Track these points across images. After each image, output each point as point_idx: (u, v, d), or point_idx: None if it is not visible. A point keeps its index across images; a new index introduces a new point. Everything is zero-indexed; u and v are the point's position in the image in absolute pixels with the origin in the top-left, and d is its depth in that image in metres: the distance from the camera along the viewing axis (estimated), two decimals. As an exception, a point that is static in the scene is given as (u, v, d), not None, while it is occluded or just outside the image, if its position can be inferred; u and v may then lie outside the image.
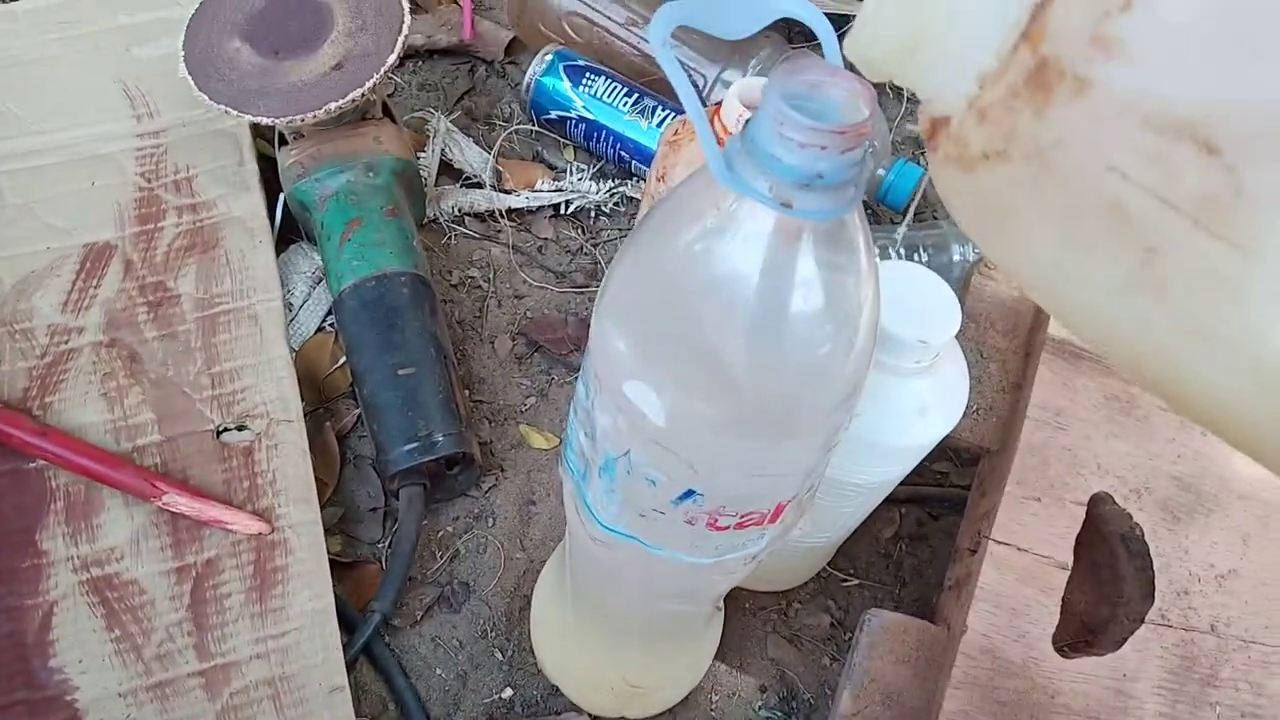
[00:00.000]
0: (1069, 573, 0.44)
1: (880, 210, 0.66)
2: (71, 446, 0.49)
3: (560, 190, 0.65)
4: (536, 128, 0.68)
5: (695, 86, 0.64)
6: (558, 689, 0.49)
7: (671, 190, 0.28)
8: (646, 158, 0.65)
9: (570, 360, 0.60)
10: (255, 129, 0.62)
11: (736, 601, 0.52)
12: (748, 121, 0.24)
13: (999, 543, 0.44)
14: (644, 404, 0.28)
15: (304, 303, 0.59)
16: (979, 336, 0.50)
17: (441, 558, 0.53)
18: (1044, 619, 0.43)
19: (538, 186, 0.66)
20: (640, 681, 0.46)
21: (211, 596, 0.47)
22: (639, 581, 0.37)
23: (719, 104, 0.45)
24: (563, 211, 0.66)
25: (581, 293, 0.63)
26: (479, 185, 0.66)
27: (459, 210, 0.64)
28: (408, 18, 0.55)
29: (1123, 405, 0.48)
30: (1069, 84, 0.19)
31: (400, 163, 0.58)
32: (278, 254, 0.58)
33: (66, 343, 0.53)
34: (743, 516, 0.31)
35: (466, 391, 0.57)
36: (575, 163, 0.68)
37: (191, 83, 0.54)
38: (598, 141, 0.66)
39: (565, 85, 0.65)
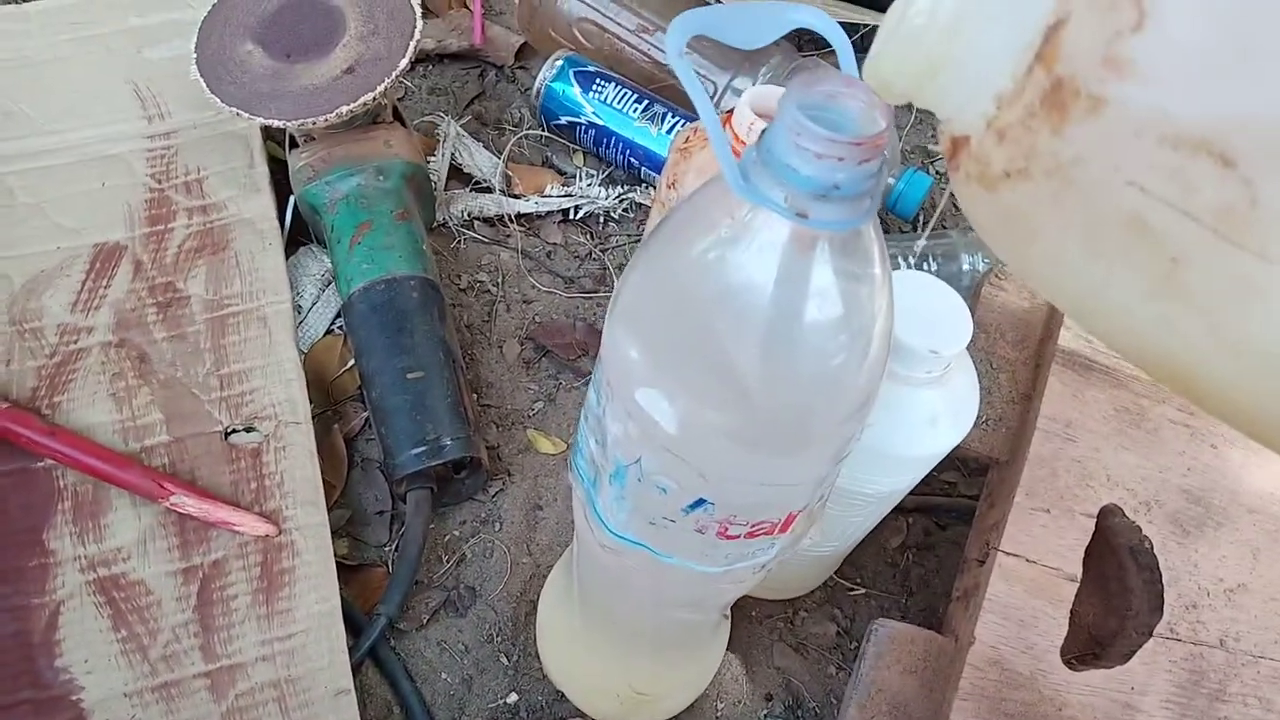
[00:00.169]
0: (1078, 585, 0.44)
1: (890, 219, 0.66)
2: (80, 446, 0.49)
3: (569, 196, 0.66)
4: (546, 133, 0.68)
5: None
6: (563, 695, 0.49)
7: (685, 199, 0.28)
8: (656, 164, 0.65)
9: (578, 365, 0.60)
10: (266, 131, 0.62)
11: (743, 609, 0.52)
12: (764, 132, 0.24)
13: (1008, 554, 0.44)
14: (656, 412, 0.28)
15: (313, 305, 0.59)
16: (989, 347, 0.50)
17: (448, 562, 0.53)
18: (1052, 631, 0.43)
19: (547, 192, 0.66)
20: (646, 689, 0.46)
21: (218, 598, 0.47)
22: (647, 589, 0.37)
23: (730, 112, 0.45)
24: (572, 217, 0.66)
25: (590, 298, 0.63)
26: (488, 190, 0.66)
27: (468, 215, 0.65)
28: (420, 22, 0.55)
29: (1133, 418, 0.48)
30: (1084, 103, 0.19)
31: (410, 167, 0.58)
32: (287, 256, 0.58)
33: (76, 342, 0.53)
34: (753, 526, 0.31)
35: (474, 396, 0.57)
36: (585, 168, 0.68)
37: (203, 85, 0.54)
38: (607, 147, 0.66)
39: (575, 91, 0.65)
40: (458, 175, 0.67)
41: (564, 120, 0.66)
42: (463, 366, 0.55)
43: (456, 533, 0.54)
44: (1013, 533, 0.45)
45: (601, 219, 0.66)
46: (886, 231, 0.66)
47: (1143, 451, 0.47)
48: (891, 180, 0.63)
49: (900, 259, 0.59)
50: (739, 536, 0.31)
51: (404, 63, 0.54)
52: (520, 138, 0.69)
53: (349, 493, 0.54)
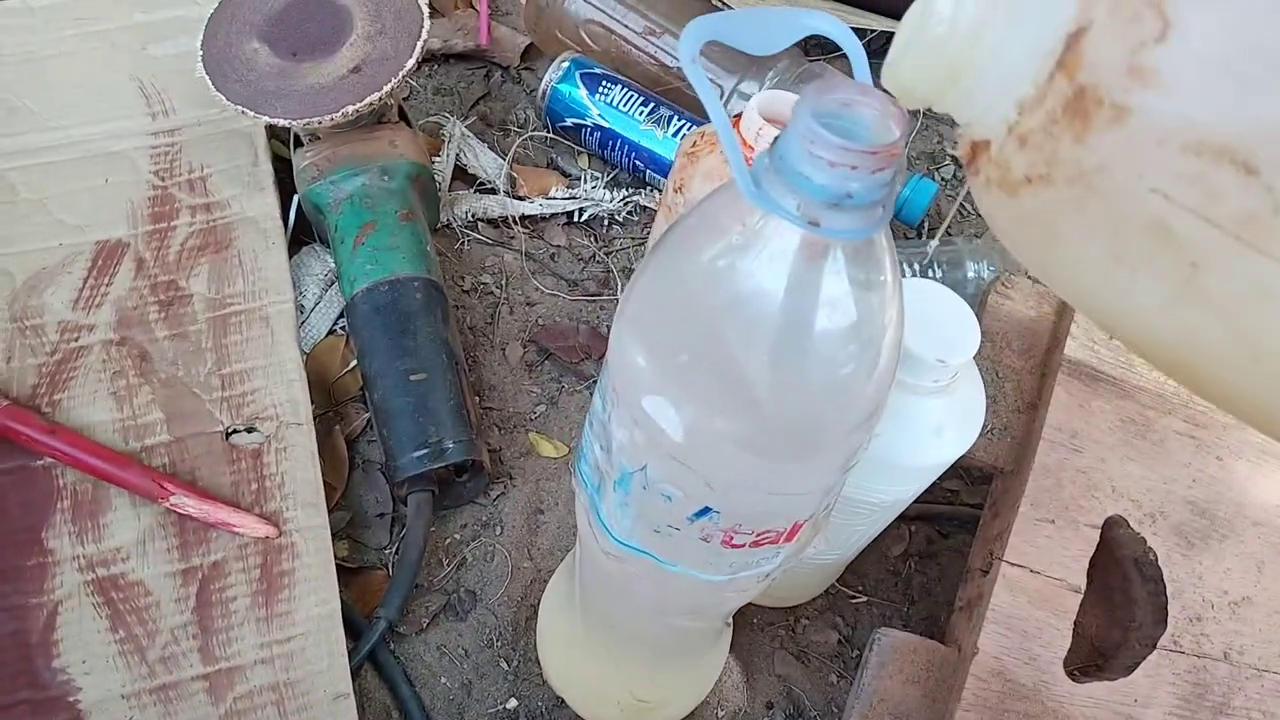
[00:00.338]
0: (1082, 596, 0.44)
1: (894, 225, 0.66)
2: (79, 445, 0.49)
3: (574, 198, 0.65)
4: (551, 135, 0.68)
5: (712, 97, 0.64)
6: (563, 701, 0.49)
7: (696, 205, 0.27)
8: (661, 167, 0.64)
9: (581, 369, 0.60)
10: (270, 130, 0.61)
11: (744, 617, 0.52)
12: (777, 138, 0.24)
13: (1012, 564, 0.44)
14: (662, 419, 0.28)
15: (316, 305, 0.58)
16: (995, 356, 0.50)
17: (448, 565, 0.52)
18: (1056, 642, 0.43)
19: (552, 194, 0.65)
20: (647, 696, 0.46)
21: (217, 599, 0.47)
22: (650, 596, 0.37)
23: (738, 116, 0.45)
24: (576, 219, 0.66)
25: (593, 301, 0.63)
26: (493, 191, 0.66)
27: (472, 216, 0.64)
28: (427, 22, 0.55)
29: (1138, 429, 0.47)
30: (1107, 111, 0.19)
31: (415, 167, 0.58)
32: (290, 256, 0.58)
33: (77, 340, 0.53)
34: (758, 535, 0.31)
35: (477, 398, 0.57)
36: (590, 170, 0.68)
37: (209, 82, 0.54)
38: (613, 150, 0.66)
39: (581, 93, 0.65)
40: (462, 176, 0.67)
41: (569, 122, 0.66)
42: (465, 369, 0.55)
43: (457, 536, 0.54)
44: (1017, 543, 0.45)
45: (606, 222, 0.66)
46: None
47: (1148, 463, 0.47)
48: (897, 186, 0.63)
49: (905, 265, 0.59)
50: (744, 545, 0.31)
51: (410, 63, 0.54)
52: (525, 139, 0.69)
53: (350, 495, 0.54)
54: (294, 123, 0.53)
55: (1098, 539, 0.45)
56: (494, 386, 0.59)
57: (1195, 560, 0.45)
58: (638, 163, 0.65)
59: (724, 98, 0.64)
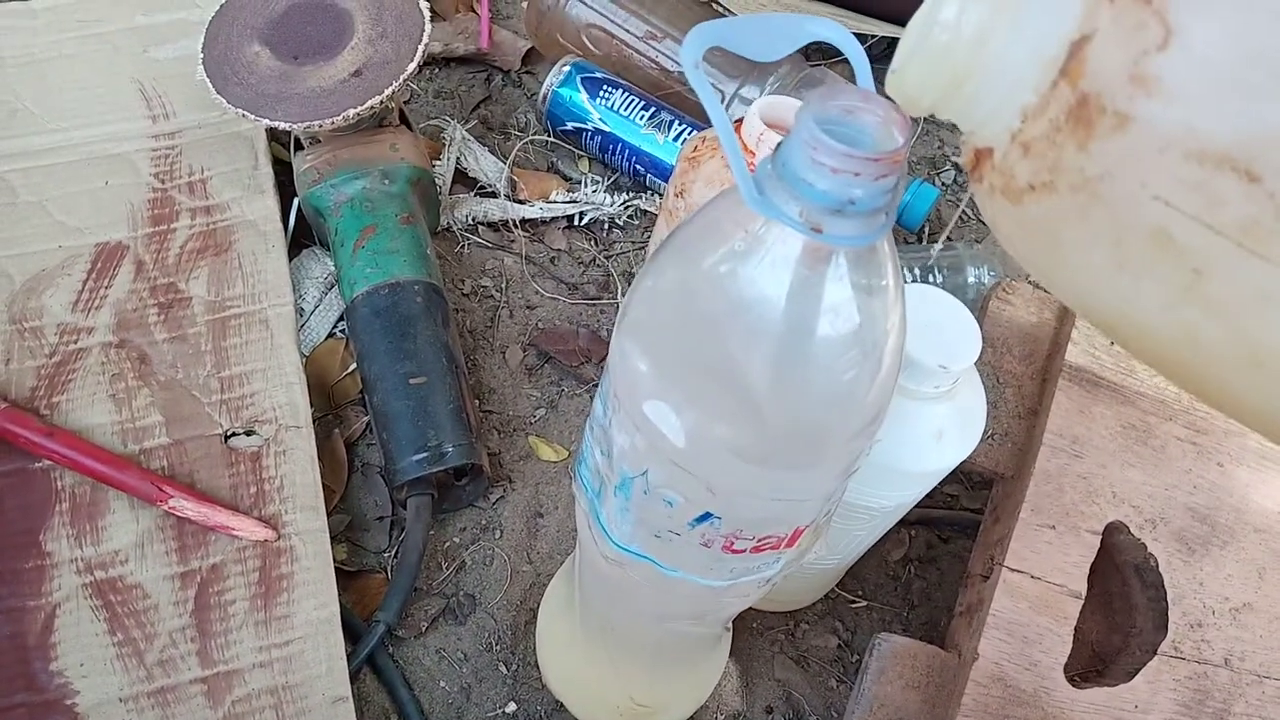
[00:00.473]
0: (1082, 602, 0.44)
1: (895, 230, 0.66)
2: (78, 447, 0.49)
3: (574, 202, 0.65)
4: (552, 138, 0.68)
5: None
6: (562, 705, 0.49)
7: (697, 211, 0.27)
8: (662, 171, 0.64)
9: (581, 372, 0.60)
10: (271, 133, 0.61)
11: (744, 621, 0.52)
12: (779, 145, 0.24)
13: (1012, 570, 0.44)
14: (664, 425, 0.28)
15: (315, 308, 0.58)
16: (996, 361, 0.50)
17: (448, 569, 0.52)
18: (1056, 648, 0.43)
19: (552, 197, 0.65)
20: (646, 700, 0.46)
21: (216, 603, 0.47)
22: (650, 601, 0.37)
23: (739, 121, 0.45)
24: (576, 223, 0.66)
25: (593, 305, 0.63)
26: (493, 195, 0.66)
27: (473, 219, 0.64)
28: (428, 26, 0.55)
29: (1139, 434, 0.47)
30: (1110, 120, 0.19)
31: (416, 171, 0.58)
32: (290, 259, 0.58)
33: (76, 342, 0.53)
34: (759, 540, 0.31)
35: (476, 402, 0.57)
36: (590, 174, 0.68)
37: (209, 85, 0.54)
38: (613, 154, 0.66)
39: (582, 97, 0.65)
40: (463, 180, 0.67)
41: (570, 126, 0.66)
42: (465, 372, 0.55)
43: (456, 540, 0.53)
44: (1017, 548, 0.44)
45: (606, 226, 0.66)
46: (892, 242, 0.66)
47: (1149, 469, 0.47)
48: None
49: (906, 270, 0.59)
50: (745, 551, 0.31)
51: (412, 67, 0.54)
52: (526, 143, 0.69)
53: (349, 498, 0.54)
54: (295, 126, 0.53)
55: (1098, 545, 0.45)
56: (494, 390, 0.59)
57: (1196, 566, 0.45)
58: (638, 167, 0.65)
59: (725, 103, 0.64)
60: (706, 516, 0.29)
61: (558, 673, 0.48)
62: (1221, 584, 0.45)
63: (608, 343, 0.60)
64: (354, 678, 0.47)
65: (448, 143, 0.66)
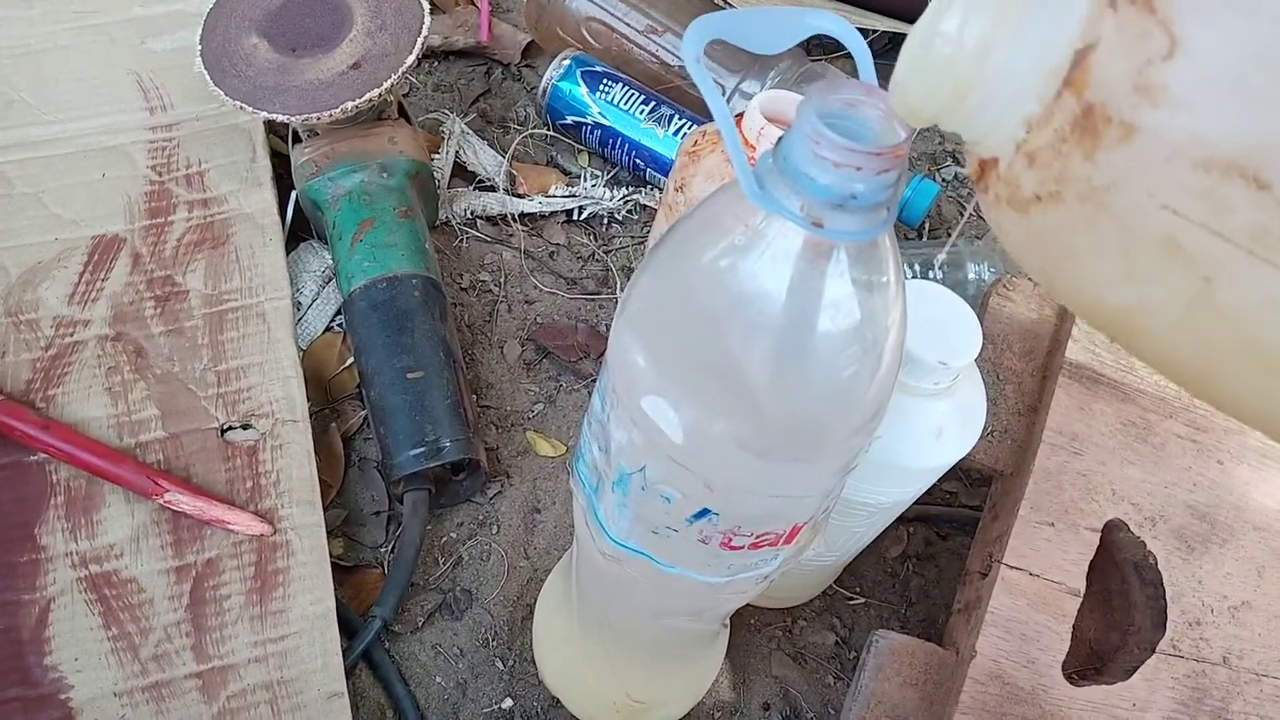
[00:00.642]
0: (1081, 600, 0.44)
1: (895, 226, 0.66)
2: (74, 441, 0.48)
3: (574, 196, 0.65)
4: (551, 132, 0.68)
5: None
6: (558, 701, 0.49)
7: (698, 205, 0.27)
8: (661, 165, 0.64)
9: (579, 368, 0.59)
10: (269, 125, 0.61)
11: (741, 618, 0.52)
12: (780, 139, 0.24)
13: (1011, 567, 0.44)
14: (662, 420, 0.28)
15: (313, 302, 0.58)
16: (996, 358, 0.49)
17: (444, 564, 0.52)
18: (1054, 646, 0.43)
19: (551, 191, 0.65)
20: (643, 697, 0.45)
21: (211, 597, 0.46)
22: (647, 598, 0.37)
23: (740, 115, 0.45)
24: (575, 217, 0.65)
25: (592, 300, 0.62)
26: (492, 189, 0.65)
27: (471, 213, 0.64)
28: (427, 18, 0.55)
29: (1139, 432, 0.47)
30: (1116, 129, 0.19)
31: (415, 164, 0.58)
32: (288, 252, 0.57)
33: (72, 335, 0.53)
34: (757, 537, 0.30)
35: (474, 396, 0.57)
36: (589, 169, 0.68)
37: (207, 78, 0.54)
38: (613, 148, 0.65)
39: (582, 91, 0.65)
40: (461, 173, 0.66)
41: (570, 120, 0.66)
42: (463, 367, 0.55)
43: (453, 535, 0.53)
44: (1016, 546, 0.44)
45: (605, 220, 0.66)
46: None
47: (1148, 466, 0.47)
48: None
49: (907, 267, 0.59)
50: (743, 547, 0.31)
51: (411, 59, 0.53)
52: (525, 137, 0.68)
53: (345, 492, 0.54)
54: (293, 118, 0.53)
55: (1097, 542, 0.45)
56: (491, 385, 0.58)
57: (1195, 564, 0.45)
58: (638, 161, 0.65)
59: (726, 97, 0.64)
60: (704, 513, 0.29)
61: (554, 669, 0.48)
62: (1220, 582, 0.45)
63: (606, 338, 0.60)
64: (350, 673, 0.47)
65: (446, 136, 0.66)
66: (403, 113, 0.60)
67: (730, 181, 0.26)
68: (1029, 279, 0.52)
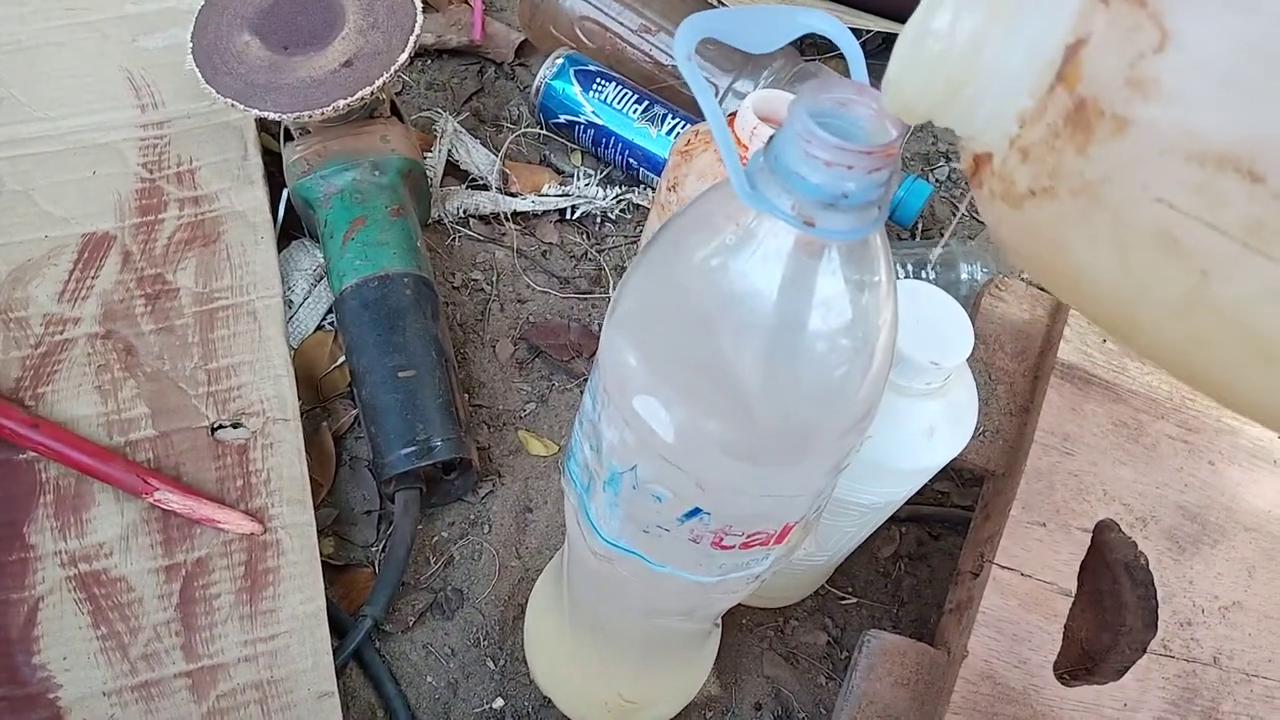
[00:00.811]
0: (1072, 600, 0.44)
1: (888, 226, 0.66)
2: (63, 439, 0.48)
3: (566, 195, 0.65)
4: (545, 132, 0.68)
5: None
6: (549, 701, 0.48)
7: (689, 204, 0.27)
8: (654, 165, 0.64)
9: (571, 367, 0.59)
10: (260, 123, 0.61)
11: (733, 618, 0.52)
12: (772, 138, 0.24)
13: (1002, 567, 0.44)
14: (653, 420, 0.27)
15: (304, 300, 0.58)
16: (988, 358, 0.49)
17: (435, 563, 0.52)
18: (1045, 646, 0.43)
19: (544, 190, 0.65)
20: (634, 696, 0.45)
21: (201, 596, 0.46)
22: (639, 597, 0.36)
23: (732, 115, 0.45)
24: (568, 217, 0.65)
25: (585, 299, 0.62)
26: (485, 187, 0.65)
27: (464, 212, 0.64)
28: (420, 16, 0.55)
29: (1130, 432, 0.47)
30: (1109, 123, 0.19)
31: (407, 163, 0.57)
32: (279, 250, 0.57)
33: (61, 333, 0.52)
34: (749, 536, 0.30)
35: (466, 395, 0.57)
36: (582, 168, 0.68)
37: (199, 75, 0.53)
38: (606, 147, 0.65)
39: (575, 90, 0.65)
40: (454, 172, 0.66)
41: (563, 119, 0.66)
42: (455, 366, 0.54)
43: (445, 534, 0.53)
44: (1008, 546, 0.44)
45: (598, 219, 0.66)
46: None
47: (1140, 467, 0.47)
48: (891, 187, 0.63)
49: (899, 266, 0.59)
50: (734, 547, 0.31)
51: (403, 57, 0.53)
52: (518, 136, 0.68)
53: (336, 491, 0.54)
54: (285, 116, 0.52)
55: (1089, 543, 0.45)
56: (483, 384, 0.58)
57: (1186, 565, 0.45)
58: (631, 160, 0.65)
59: (719, 96, 0.64)
60: (696, 512, 0.29)
61: (546, 668, 0.48)
62: (1211, 582, 0.45)
63: (598, 337, 0.60)
64: (340, 673, 0.47)
65: (439, 135, 0.66)
66: (395, 111, 0.60)
67: (722, 181, 0.26)
68: (1022, 277, 0.52)
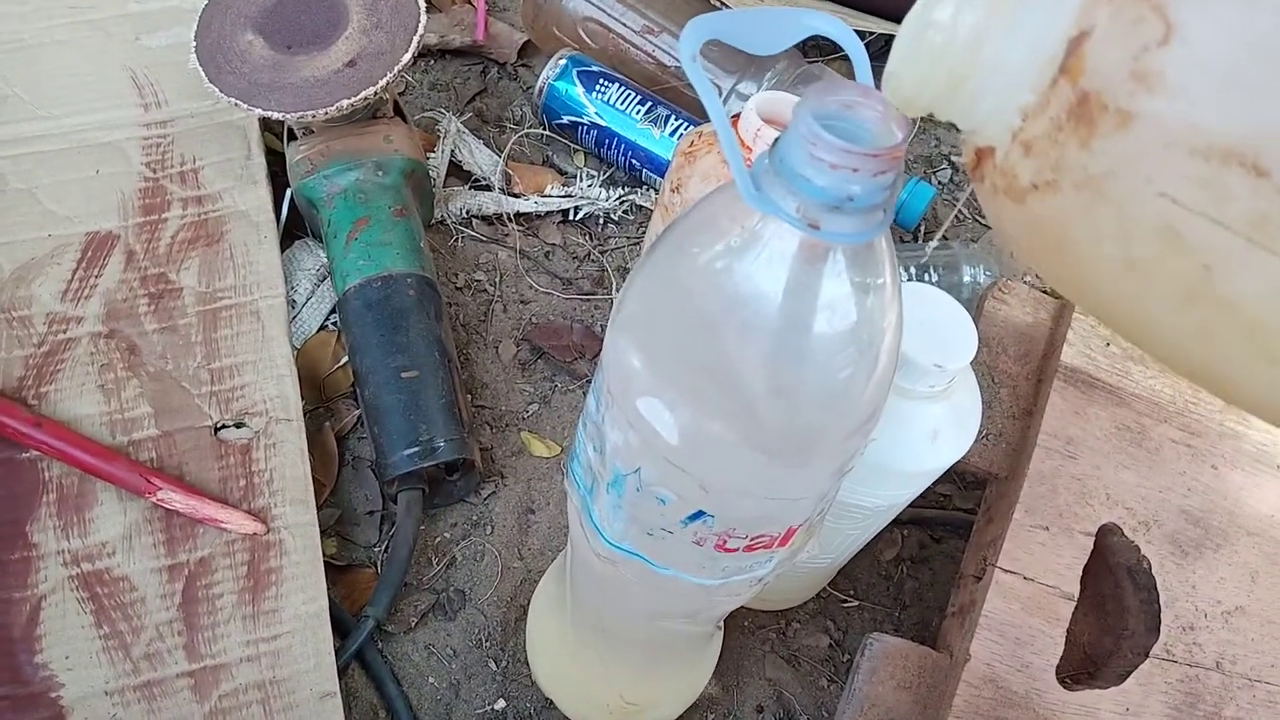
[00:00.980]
0: (1074, 604, 0.44)
1: (891, 228, 0.66)
2: (66, 438, 0.48)
3: (569, 196, 0.65)
4: (547, 132, 0.68)
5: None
6: (551, 702, 0.48)
7: (693, 206, 0.27)
8: (657, 166, 0.64)
9: (574, 368, 0.59)
10: (264, 123, 0.61)
11: (735, 620, 0.52)
12: (777, 140, 0.24)
13: (1005, 571, 0.44)
14: (658, 422, 0.27)
15: (307, 300, 0.58)
16: (991, 361, 0.49)
17: (438, 564, 0.52)
18: (1048, 650, 0.43)
19: (547, 191, 0.65)
20: (636, 698, 0.45)
21: (203, 596, 0.46)
22: (641, 599, 0.36)
23: (736, 116, 0.45)
24: (571, 217, 0.65)
25: (587, 300, 0.62)
26: (488, 188, 0.65)
27: (467, 212, 0.64)
28: (424, 16, 0.55)
29: (1134, 436, 0.47)
30: (1113, 117, 0.19)
31: (410, 163, 0.57)
32: (282, 250, 0.57)
33: (65, 332, 0.53)
34: (752, 539, 0.30)
35: (469, 396, 0.57)
36: (585, 169, 0.68)
37: (202, 74, 0.53)
38: (609, 148, 0.65)
39: (578, 90, 0.65)
40: (457, 172, 0.66)
41: (566, 120, 0.66)
42: (458, 366, 0.54)
43: (447, 535, 0.53)
44: (1010, 549, 0.44)
45: (601, 220, 0.66)
46: (888, 241, 0.66)
47: (1143, 471, 0.47)
48: (894, 189, 0.63)
49: (902, 269, 0.59)
50: (737, 550, 0.31)
51: (406, 58, 0.53)
52: (521, 136, 0.68)
53: (339, 492, 0.53)
54: (288, 116, 0.52)
55: (1091, 546, 0.45)
56: (486, 385, 0.58)
57: (1189, 569, 0.45)
58: (634, 161, 0.65)
59: (722, 98, 0.64)
60: (699, 514, 0.29)
61: (547, 670, 0.48)
62: (1214, 587, 0.45)
63: (601, 338, 0.60)
64: (342, 673, 0.47)
65: (442, 135, 0.66)
66: (398, 111, 0.60)
67: (726, 183, 0.26)
68: (1025, 280, 0.52)
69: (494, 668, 0.50)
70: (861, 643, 0.44)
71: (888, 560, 0.55)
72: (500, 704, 0.49)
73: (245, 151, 0.59)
